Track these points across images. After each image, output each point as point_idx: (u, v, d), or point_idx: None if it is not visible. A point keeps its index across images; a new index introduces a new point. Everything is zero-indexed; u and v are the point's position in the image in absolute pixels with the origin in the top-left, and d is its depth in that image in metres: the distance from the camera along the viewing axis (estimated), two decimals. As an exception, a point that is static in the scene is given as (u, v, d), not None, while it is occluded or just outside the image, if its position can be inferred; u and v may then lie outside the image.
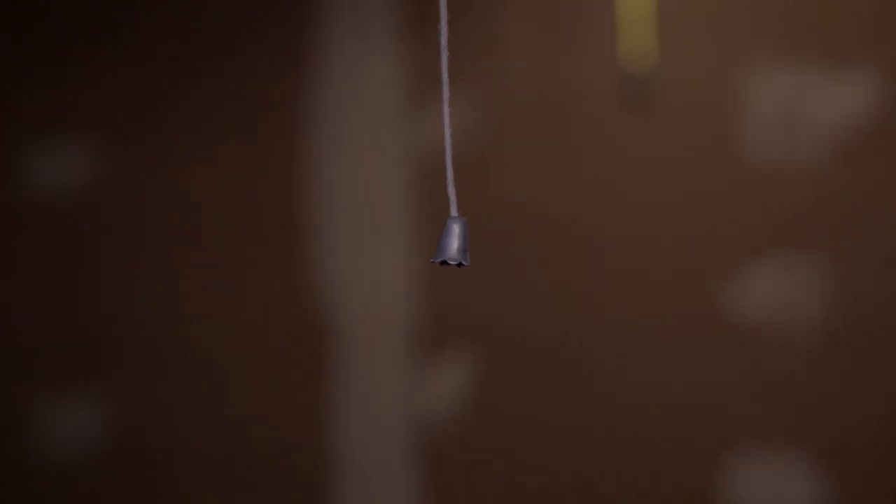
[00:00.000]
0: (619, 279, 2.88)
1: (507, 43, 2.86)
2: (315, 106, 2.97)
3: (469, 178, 2.95)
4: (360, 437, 2.88)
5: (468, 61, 2.94)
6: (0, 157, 3.06)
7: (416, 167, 2.97)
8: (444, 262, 1.02)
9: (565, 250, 2.88)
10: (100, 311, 2.95)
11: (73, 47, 3.03)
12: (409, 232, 2.93)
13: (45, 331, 2.97)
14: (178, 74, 3.03)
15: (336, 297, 2.92)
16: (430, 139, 2.94)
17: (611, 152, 2.91)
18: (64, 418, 2.93)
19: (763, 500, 2.81)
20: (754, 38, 2.93)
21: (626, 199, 2.90)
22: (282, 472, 2.91)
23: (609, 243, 2.91)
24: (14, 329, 2.99)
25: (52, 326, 2.98)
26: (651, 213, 2.91)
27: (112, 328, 2.95)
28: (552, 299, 2.88)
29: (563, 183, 2.89)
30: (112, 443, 2.91)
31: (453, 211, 1.03)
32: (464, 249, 1.03)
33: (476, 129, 2.94)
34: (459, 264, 1.02)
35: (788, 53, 2.88)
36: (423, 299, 2.91)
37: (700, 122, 2.88)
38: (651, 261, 2.88)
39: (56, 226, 2.99)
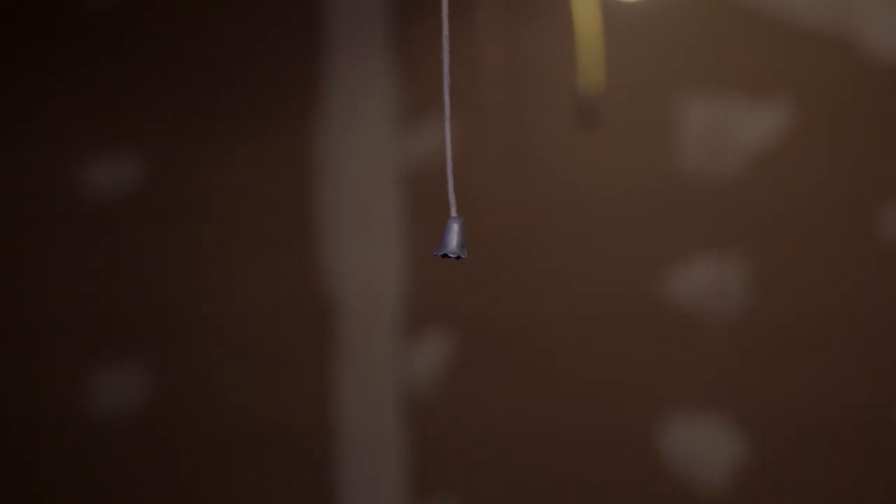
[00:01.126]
0: (574, 270, 3.13)
1: (480, 70, 3.08)
2: (323, 119, 3.18)
3: (445, 183, 3.40)
4: (357, 402, 3.11)
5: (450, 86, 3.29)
6: (61, 166, 3.24)
7: (407, 174, 3.18)
8: (444, 255, 1.15)
9: (529, 246, 3.12)
10: (141, 294, 3.18)
11: (119, 76, 3.23)
12: (402, 231, 3.17)
13: (97, 310, 3.20)
14: (206, 97, 3.25)
15: (338, 285, 3.13)
16: (421, 149, 3.17)
17: (567, 163, 3.12)
18: (109, 387, 3.16)
19: (691, 460, 3.02)
20: (686, 69, 3.15)
21: (580, 203, 3.14)
22: (292, 430, 3.15)
23: (565, 240, 3.15)
24: (72, 309, 3.21)
25: (102, 307, 3.20)
26: (600, 215, 3.15)
27: (151, 309, 3.19)
28: (517, 288, 3.12)
29: (527, 189, 3.13)
30: (149, 408, 3.17)
31: (453, 212, 1.17)
32: (461, 244, 1.16)
33: (454, 143, 3.34)
34: (458, 257, 1.15)
35: (714, 82, 3.11)
36: (411, 288, 3.14)
37: (641, 138, 3.10)
38: (601, 255, 3.14)
39: (106, 223, 3.19)
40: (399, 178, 3.19)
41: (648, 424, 3.07)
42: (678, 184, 3.11)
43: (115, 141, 3.21)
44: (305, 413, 3.14)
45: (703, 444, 3.05)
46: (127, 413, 3.18)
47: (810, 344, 3.08)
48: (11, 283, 3.25)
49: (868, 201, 3.08)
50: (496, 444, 3.11)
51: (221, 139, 3.25)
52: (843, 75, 3.09)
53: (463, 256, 1.14)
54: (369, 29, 3.26)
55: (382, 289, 3.16)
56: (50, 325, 3.24)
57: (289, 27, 3.27)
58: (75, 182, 3.21)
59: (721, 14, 3.16)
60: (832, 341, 3.09)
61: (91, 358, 3.20)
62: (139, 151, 3.21)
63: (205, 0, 3.26)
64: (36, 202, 3.25)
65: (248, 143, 3.22)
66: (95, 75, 3.24)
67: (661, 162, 3.11)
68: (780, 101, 3.10)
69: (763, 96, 3.13)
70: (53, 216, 3.23)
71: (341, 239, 3.20)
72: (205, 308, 3.19)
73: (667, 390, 3.09)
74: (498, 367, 3.12)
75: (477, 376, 3.12)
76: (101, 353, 3.19)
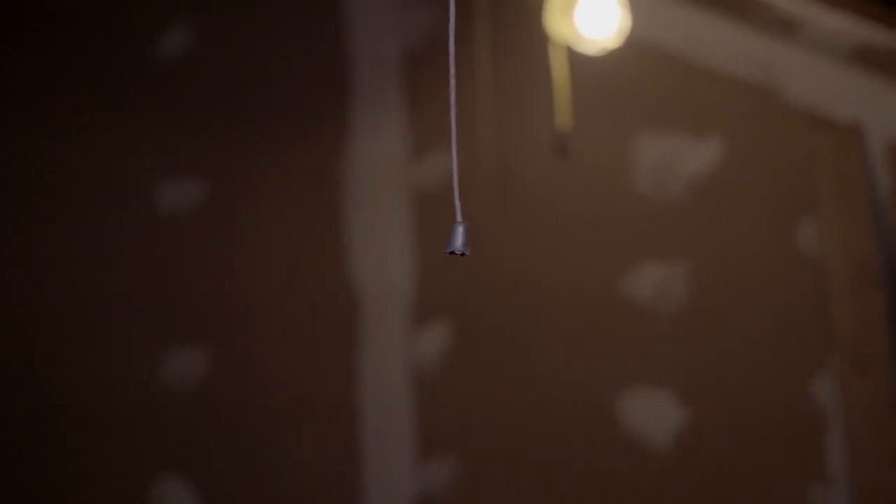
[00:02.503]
0: (550, 272, 3.55)
1: (475, 111, 3.48)
2: (349, 149, 3.65)
3: (445, 202, 3.60)
4: (374, 377, 3.54)
5: (444, 117, 3.48)
6: (145, 185, 3.69)
7: (415, 191, 3.63)
8: (451, 252, 1.25)
9: (514, 253, 3.53)
10: (204, 288, 3.63)
11: (188, 115, 3.68)
12: (411, 240, 3.61)
13: (171, 301, 3.64)
14: (256, 131, 3.72)
15: (360, 283, 3.59)
16: (426, 173, 3.62)
17: (544, 186, 3.57)
18: (178, 362, 3.56)
19: (644, 424, 3.43)
20: (639, 112, 3.59)
21: (555, 219, 3.57)
22: (324, 396, 3.54)
23: (543, 248, 3.58)
24: (151, 299, 3.64)
25: (174, 298, 3.64)
26: (571, 228, 3.58)
27: (212, 300, 3.64)
28: (504, 286, 3.54)
29: (512, 207, 3.54)
30: (210, 379, 3.56)
31: (458, 217, 1.25)
32: (465, 244, 1.24)
33: (449, 165, 3.59)
34: (462, 254, 1.23)
35: (661, 123, 3.55)
36: (418, 287, 3.58)
37: (604, 167, 3.57)
38: (572, 260, 3.55)
39: (177, 230, 3.68)
40: (408, 196, 3.63)
41: (609, 395, 3.48)
42: (632, 204, 3.55)
43: (185, 165, 3.65)
44: (335, 384, 3.54)
45: (653, 412, 3.47)
46: (192, 383, 3.57)
47: (738, 330, 3.48)
48: (104, 277, 3.62)
49: (784, 217, 3.48)
50: (487, 412, 3.51)
51: (268, 164, 3.69)
52: (765, 117, 3.53)
53: (466, 253, 1.23)
54: (385, 78, 3.67)
55: (395, 287, 3.60)
56: (133, 312, 3.64)
57: (323, 76, 3.67)
58: (155, 197, 3.66)
59: (666, 68, 3.57)
60: (756, 327, 3.47)
61: (165, 339, 3.59)
62: (203, 173, 3.65)
63: (259, 55, 3.68)
64: (125, 213, 3.66)
65: (290, 167, 3.67)
66: (169, 115, 3.67)
67: (619, 186, 3.56)
68: (714, 138, 3.55)
69: (700, 134, 3.56)
70: (137, 224, 3.69)
71: (363, 245, 3.64)
72: (254, 300, 3.58)
73: (624, 369, 3.50)
74: (488, 350, 3.55)
75: (471, 358, 3.55)
76: (173, 335, 3.59)
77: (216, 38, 3.75)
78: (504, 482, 3.53)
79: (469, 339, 3.59)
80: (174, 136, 3.69)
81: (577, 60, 3.29)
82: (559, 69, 3.24)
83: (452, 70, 1.35)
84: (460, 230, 1.24)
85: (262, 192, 3.67)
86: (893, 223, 3.50)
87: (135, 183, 3.70)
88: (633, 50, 3.37)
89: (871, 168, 3.50)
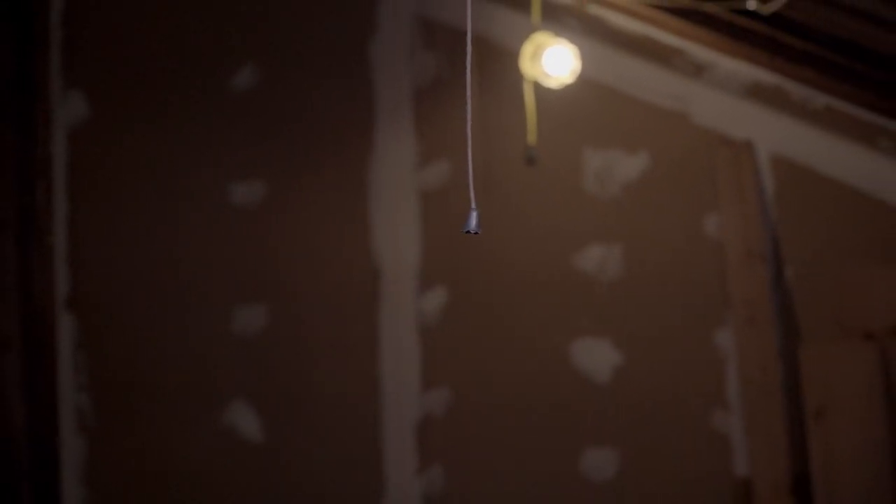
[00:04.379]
0: (521, 251, 3.78)
1: (461, 129, 3.78)
2: (373, 158, 3.83)
3: (441, 200, 3.81)
4: (391, 327, 3.79)
5: (443, 136, 3.80)
6: (221, 187, 3.86)
7: (421, 191, 3.81)
8: (468, 231, 1.25)
9: (494, 236, 3.76)
10: (265, 262, 3.84)
11: (253, 131, 3.86)
12: (418, 224, 3.82)
13: (239, 274, 3.85)
14: (305, 146, 3.86)
15: (380, 259, 3.82)
16: (428, 178, 3.81)
17: (517, 187, 3.78)
18: (244, 316, 3.78)
19: (588, 364, 3.74)
20: (587, 132, 3.78)
21: (525, 211, 3.80)
22: (352, 338, 3.78)
23: (516, 233, 3.78)
24: (225, 271, 3.85)
25: (242, 272, 3.85)
26: (536, 218, 3.80)
27: (270, 271, 3.84)
28: (486, 262, 3.79)
29: (494, 199, 3.75)
30: (268, 330, 3.80)
31: (473, 206, 1.27)
32: (478, 225, 1.26)
33: (447, 173, 3.83)
34: (476, 232, 1.26)
35: (603, 141, 3.79)
36: (423, 261, 3.81)
37: (561, 172, 3.79)
38: (537, 241, 3.77)
39: (244, 221, 3.87)
40: (415, 194, 3.83)
41: (563, 342, 3.78)
42: (581, 200, 3.79)
43: (251, 170, 3.87)
44: (361, 332, 3.82)
45: (596, 356, 3.77)
46: (255, 332, 3.85)
47: (659, 295, 3.76)
48: (193, 252, 3.87)
49: (694, 211, 3.74)
50: (473, 353, 3.81)
51: (313, 170, 3.86)
52: (680, 136, 3.75)
53: (478, 232, 1.23)
54: (400, 108, 3.84)
55: (406, 261, 3.81)
56: (213, 279, 3.87)
57: (354, 106, 3.85)
58: (229, 194, 3.89)
59: (607, 99, 3.76)
60: (672, 293, 3.75)
61: (236, 298, 3.87)
62: (265, 176, 3.87)
63: (306, 89, 3.85)
64: (208, 205, 3.89)
65: (328, 172, 3.86)
66: (241, 133, 3.86)
67: (572, 187, 3.79)
68: (642, 152, 3.78)
69: (632, 148, 3.78)
70: (217, 213, 3.90)
71: (382, 230, 3.84)
72: (301, 269, 3.80)
73: (574, 323, 3.78)
74: (474, 308, 3.83)
75: (461, 314, 3.83)
76: (241, 296, 3.87)
77: (276, 78, 3.91)
78: (486, 405, 3.80)
79: (460, 299, 3.84)
80: (244, 149, 3.91)
81: (542, 93, 3.43)
82: (529, 99, 3.37)
83: (469, 102, 1.35)
84: (474, 215, 1.24)
85: (308, 191, 3.87)
86: (775, 216, 3.66)
87: (215, 183, 3.91)
88: (583, 86, 3.56)
89: (760, 174, 3.68)
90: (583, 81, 3.52)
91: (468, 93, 1.41)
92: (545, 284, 3.84)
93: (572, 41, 3.35)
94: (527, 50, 3.31)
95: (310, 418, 3.88)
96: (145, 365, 3.91)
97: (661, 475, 3.76)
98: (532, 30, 3.36)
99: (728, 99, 3.79)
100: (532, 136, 3.42)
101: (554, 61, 3.32)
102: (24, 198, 3.70)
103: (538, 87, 3.41)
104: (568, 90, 3.48)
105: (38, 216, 3.76)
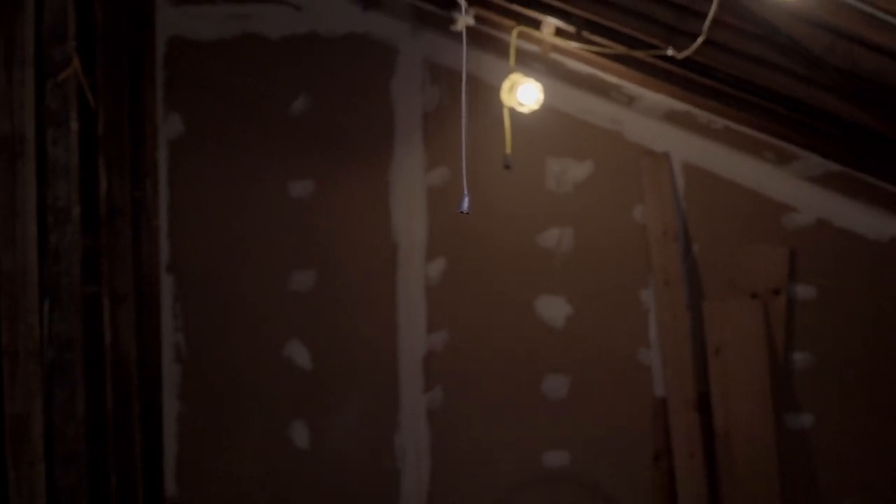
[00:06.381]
0: (500, 232, 4.20)
1: (458, 146, 4.06)
2: (393, 164, 4.23)
3: (442, 195, 4.22)
4: (404, 286, 4.27)
5: (444, 148, 4.21)
6: (279, 186, 4.22)
7: (427, 188, 4.25)
8: (461, 212, 1.44)
9: (480, 222, 4.14)
10: (313, 244, 4.19)
11: (310, 142, 4.14)
12: (425, 213, 4.24)
13: (290, 255, 4.21)
14: (341, 155, 4.22)
15: (398, 237, 4.28)
16: (433, 179, 4.21)
17: (497, 186, 4.20)
18: (296, 280, 4.09)
19: (549, 314, 4.24)
20: (548, 145, 4.17)
21: (502, 203, 4.21)
22: (377, 293, 4.16)
23: (496, 220, 4.22)
24: (279, 254, 4.17)
25: (293, 253, 4.22)
26: (511, 209, 4.22)
27: (316, 249, 4.17)
28: (475, 240, 4.21)
29: (482, 195, 4.16)
30: (315, 288, 4.15)
31: (465, 192, 1.44)
32: (469, 206, 1.43)
33: (447, 176, 4.24)
34: (467, 212, 1.45)
35: (560, 151, 4.22)
36: (429, 238, 4.25)
37: (530, 175, 4.23)
38: (511, 225, 4.21)
39: (297, 214, 4.13)
40: (424, 191, 4.28)
41: (530, 297, 4.30)
42: (544, 195, 4.26)
43: (304, 173, 4.23)
44: (383, 290, 4.30)
45: (553, 308, 4.29)
46: (306, 289, 4.31)
47: (600, 264, 4.25)
48: (261, 234, 4.20)
49: (625, 203, 4.22)
50: (464, 307, 4.30)
51: (348, 173, 4.23)
52: (616, 148, 4.24)
53: (469, 212, 1.41)
54: (412, 128, 4.25)
55: (416, 239, 4.26)
56: (275, 251, 4.22)
57: (379, 126, 4.25)
58: (287, 190, 4.29)
59: (563, 121, 4.20)
60: (610, 263, 4.25)
61: (291, 265, 4.30)
62: (313, 176, 4.28)
63: (345, 113, 4.17)
64: (269, 200, 4.27)
65: (360, 175, 4.25)
66: (297, 145, 4.14)
67: (537, 186, 4.26)
68: (588, 160, 4.29)
69: (580, 157, 4.28)
70: (280, 205, 4.26)
71: (399, 217, 4.28)
72: (340, 245, 4.28)
73: (538, 284, 4.28)
74: (465, 273, 4.30)
75: (456, 278, 4.29)
76: (296, 263, 4.29)
77: (323, 105, 4.26)
78: (473, 343, 4.28)
79: (455, 267, 4.27)
80: (298, 156, 4.26)
81: (516, 117, 3.89)
82: (506, 121, 3.84)
83: (464, 123, 1.51)
84: (466, 200, 1.34)
85: (345, 188, 4.27)
86: (685, 207, 4.11)
87: (277, 181, 4.31)
88: (546, 112, 4.00)
89: (674, 177, 4.15)
90: (546, 109, 3.98)
91: (463, 116, 1.65)
92: (517, 256, 4.31)
93: (538, 79, 3.82)
94: (505, 85, 3.78)
95: (346, 353, 4.30)
96: (225, 313, 4.33)
97: (601, 396, 4.28)
98: (509, 71, 3.83)
99: (651, 122, 4.24)
100: (508, 148, 3.93)
101: (525, 94, 3.78)
102: (135, 192, 4.15)
103: (513, 113, 3.87)
104: (535, 115, 3.94)
105: (147, 205, 4.21)
